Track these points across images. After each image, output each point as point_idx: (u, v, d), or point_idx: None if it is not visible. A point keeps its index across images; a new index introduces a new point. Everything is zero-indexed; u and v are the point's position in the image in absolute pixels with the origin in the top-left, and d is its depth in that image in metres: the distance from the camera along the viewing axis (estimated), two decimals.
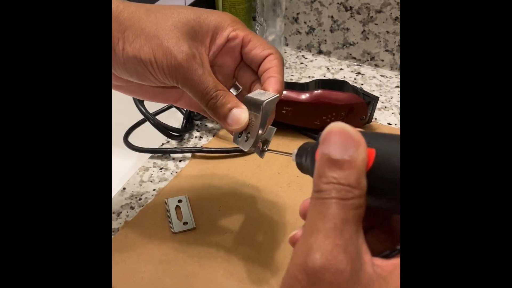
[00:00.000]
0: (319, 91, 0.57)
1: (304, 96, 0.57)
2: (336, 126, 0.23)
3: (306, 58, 0.76)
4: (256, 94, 0.37)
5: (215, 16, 0.39)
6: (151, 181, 0.54)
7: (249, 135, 0.37)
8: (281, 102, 0.58)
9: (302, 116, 0.58)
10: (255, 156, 0.58)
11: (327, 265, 0.21)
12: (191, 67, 0.36)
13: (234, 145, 0.41)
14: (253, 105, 0.37)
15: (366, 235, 0.24)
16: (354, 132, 0.23)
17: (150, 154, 0.58)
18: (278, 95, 0.37)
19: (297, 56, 0.77)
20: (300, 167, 0.30)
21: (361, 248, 0.22)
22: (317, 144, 0.26)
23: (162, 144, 0.60)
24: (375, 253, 0.23)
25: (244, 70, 0.41)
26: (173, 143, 0.60)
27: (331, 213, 0.22)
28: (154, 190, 0.53)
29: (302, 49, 0.78)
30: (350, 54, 0.75)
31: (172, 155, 0.58)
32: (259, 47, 0.39)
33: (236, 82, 0.42)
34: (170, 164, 0.57)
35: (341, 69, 0.74)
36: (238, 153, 0.57)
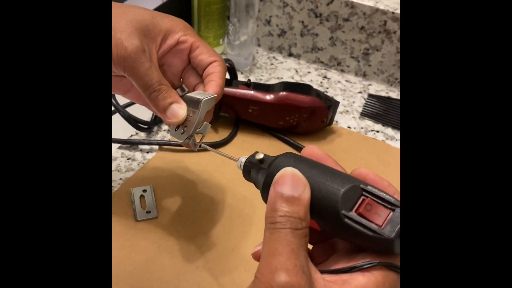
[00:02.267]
0: (284, 93, 0.60)
1: (269, 97, 0.60)
2: (289, 171, 0.28)
3: (277, 59, 0.80)
4: (196, 93, 0.41)
5: (169, 19, 0.42)
6: (118, 171, 0.57)
7: (185, 128, 0.40)
8: (248, 101, 0.61)
9: (267, 115, 0.62)
10: (225, 148, 0.60)
11: (291, 282, 0.25)
12: (139, 59, 0.39)
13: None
14: (192, 102, 0.40)
15: (312, 248, 0.31)
16: (302, 176, 0.28)
17: (118, 145, 0.60)
18: (216, 95, 0.41)
19: (268, 57, 0.80)
20: (247, 176, 0.35)
21: (311, 268, 0.27)
22: (273, 165, 0.30)
23: (131, 136, 0.62)
24: (317, 262, 0.29)
25: (190, 73, 0.45)
26: (141, 135, 0.62)
27: (288, 239, 0.26)
28: (120, 179, 0.56)
29: (274, 51, 0.81)
30: (319, 59, 0.78)
31: (140, 146, 0.60)
32: (206, 54, 0.43)
33: (183, 85, 0.45)
34: (138, 155, 0.59)
35: (309, 72, 0.77)
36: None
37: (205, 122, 0.41)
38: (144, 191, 0.54)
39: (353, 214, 0.27)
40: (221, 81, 0.42)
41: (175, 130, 0.42)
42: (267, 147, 0.62)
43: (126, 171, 0.57)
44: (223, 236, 0.50)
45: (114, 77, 0.44)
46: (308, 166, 0.29)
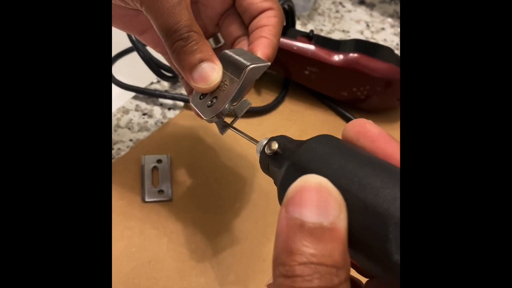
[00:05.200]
0: (356, 54, 0.45)
1: (337, 58, 0.45)
2: (312, 180, 0.16)
3: (344, 6, 0.63)
4: (239, 52, 0.28)
5: None
6: (129, 128, 0.44)
7: (215, 100, 0.28)
8: (306, 60, 0.46)
9: (328, 82, 0.47)
10: (267, 117, 0.47)
11: None
12: None
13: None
14: (232, 66, 0.28)
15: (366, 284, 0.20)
16: (334, 189, 0.17)
17: (133, 94, 0.47)
18: (268, 63, 0.28)
19: (334, 2, 0.63)
20: (264, 169, 0.23)
21: None
22: (293, 160, 0.20)
23: (151, 84, 0.48)
24: None
25: (231, 19, 0.32)
26: (164, 85, 0.48)
27: None
28: (130, 140, 0.43)
29: None
30: (397, 13, 0.61)
31: (161, 100, 0.47)
32: None
33: (219, 34, 0.34)
34: (157, 110, 0.46)
35: (382, 28, 0.61)
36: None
37: (244, 98, 0.28)
38: (159, 161, 0.41)
39: None
40: (275, 40, 0.30)
41: (200, 98, 0.29)
42: (321, 123, 0.48)
43: (139, 131, 0.44)
44: (254, 238, 0.38)
45: (128, 11, 0.31)
46: (345, 164, 0.18)
